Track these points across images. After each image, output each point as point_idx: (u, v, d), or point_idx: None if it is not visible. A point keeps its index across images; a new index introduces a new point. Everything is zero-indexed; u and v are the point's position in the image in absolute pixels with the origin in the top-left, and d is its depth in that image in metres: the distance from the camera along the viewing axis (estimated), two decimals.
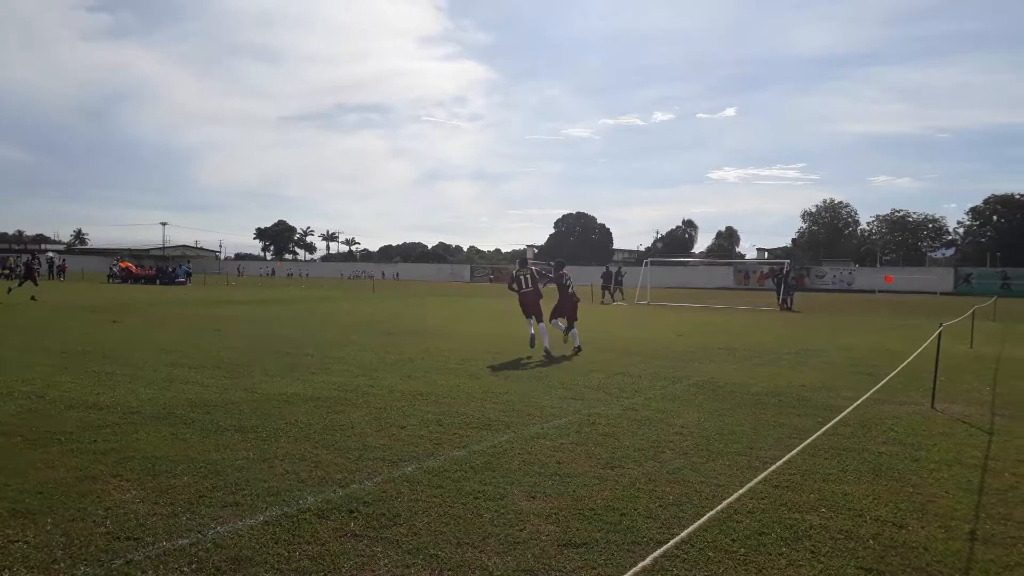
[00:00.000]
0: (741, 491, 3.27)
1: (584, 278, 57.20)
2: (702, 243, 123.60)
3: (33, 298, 25.65)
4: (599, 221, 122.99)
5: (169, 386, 8.71)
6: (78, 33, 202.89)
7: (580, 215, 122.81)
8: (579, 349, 13.30)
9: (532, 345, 12.74)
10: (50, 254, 64.32)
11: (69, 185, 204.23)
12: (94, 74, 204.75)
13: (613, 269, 38.72)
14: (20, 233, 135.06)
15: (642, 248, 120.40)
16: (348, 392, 8.57)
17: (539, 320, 13.07)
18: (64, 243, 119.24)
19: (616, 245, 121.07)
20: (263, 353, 12.09)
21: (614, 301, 34.72)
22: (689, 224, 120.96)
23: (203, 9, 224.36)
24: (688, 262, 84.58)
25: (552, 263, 15.68)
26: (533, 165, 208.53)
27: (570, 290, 14.31)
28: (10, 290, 27.07)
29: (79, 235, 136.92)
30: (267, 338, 14.53)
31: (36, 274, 28.39)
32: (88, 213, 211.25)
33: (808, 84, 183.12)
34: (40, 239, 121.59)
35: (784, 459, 4.15)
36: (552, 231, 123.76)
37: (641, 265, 43.56)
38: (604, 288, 35.57)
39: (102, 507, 4.45)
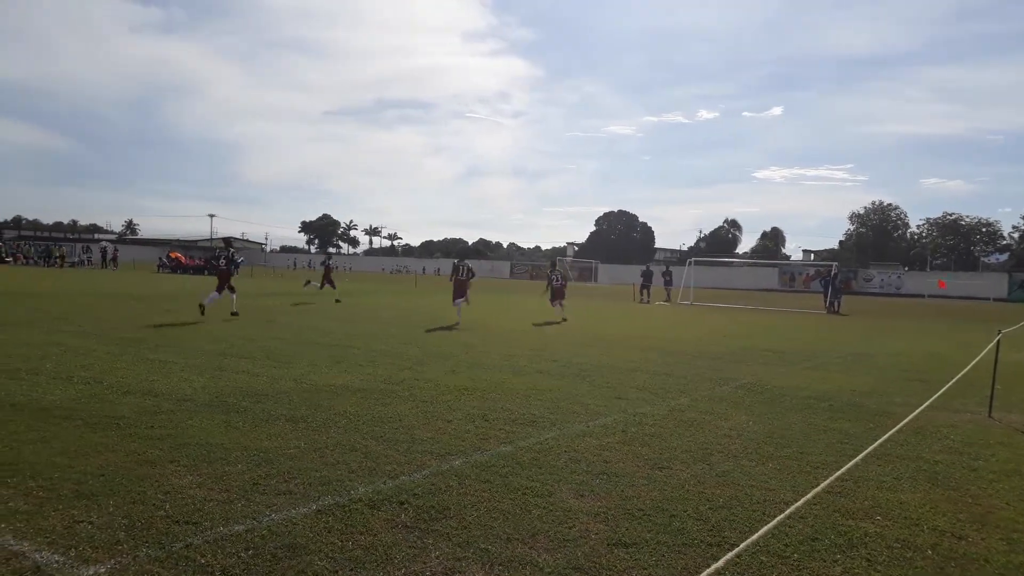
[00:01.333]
0: (808, 496, 3.22)
1: (626, 277, 56.85)
2: (746, 243, 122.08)
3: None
4: (640, 219, 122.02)
5: (220, 375, 8.90)
6: (129, 26, 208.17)
7: (621, 213, 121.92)
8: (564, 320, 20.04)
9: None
10: (103, 244, 66.14)
11: (120, 176, 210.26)
12: (144, 67, 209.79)
13: (654, 268, 38.44)
14: (75, 223, 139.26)
15: (684, 247, 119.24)
16: (394, 385, 8.67)
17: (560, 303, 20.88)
18: (116, 233, 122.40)
19: (658, 244, 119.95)
20: (310, 344, 12.27)
21: (668, 299, 34.45)
22: (733, 224, 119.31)
23: (249, 3, 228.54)
24: (732, 262, 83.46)
25: (551, 262, 23.67)
26: (573, 162, 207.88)
27: (558, 281, 21.58)
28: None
29: (130, 225, 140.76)
30: (313, 330, 14.75)
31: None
32: (138, 204, 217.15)
33: (856, 84, 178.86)
34: (94, 229, 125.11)
35: (847, 466, 4.07)
36: (592, 228, 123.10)
37: (684, 265, 43.13)
38: (643, 288, 35.30)
39: (160, 491, 4.57)
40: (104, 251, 60.04)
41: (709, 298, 38.71)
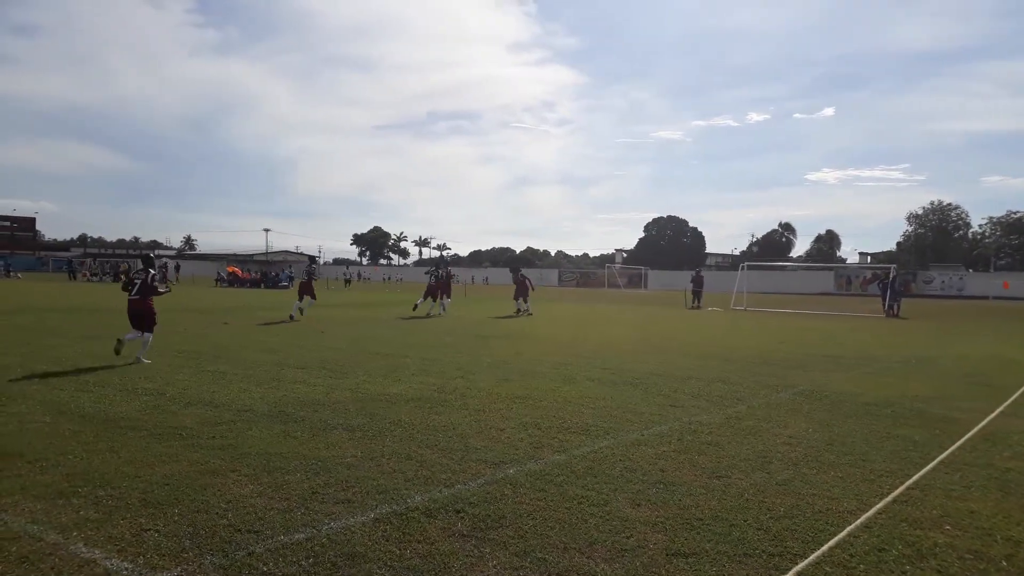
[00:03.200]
0: (878, 506, 3.11)
1: (677, 283, 56.19)
2: (800, 247, 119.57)
3: None
4: (691, 224, 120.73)
5: (278, 385, 9.06)
6: (187, 49, 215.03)
7: (671, 218, 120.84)
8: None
9: None
10: (164, 260, 68.23)
11: (178, 194, 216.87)
12: (200, 87, 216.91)
13: (705, 273, 37.91)
14: (136, 239, 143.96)
15: (736, 252, 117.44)
16: (446, 393, 8.71)
17: None
18: (175, 248, 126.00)
19: (709, 249, 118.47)
20: (364, 354, 12.43)
21: (697, 305, 33.93)
22: (786, 227, 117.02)
23: (300, 22, 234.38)
24: (786, 266, 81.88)
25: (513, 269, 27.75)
26: (621, 168, 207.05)
27: (526, 281, 25.30)
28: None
29: (188, 241, 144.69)
30: (366, 340, 14.93)
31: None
32: (196, 220, 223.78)
33: (911, 81, 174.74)
34: (154, 245, 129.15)
35: (916, 476, 3.94)
36: (642, 235, 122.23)
37: (736, 270, 42.42)
38: (695, 293, 34.82)
39: (223, 500, 4.67)
40: (164, 267, 61.92)
41: (763, 303, 38.02)
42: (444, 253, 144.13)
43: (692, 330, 20.31)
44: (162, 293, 12.03)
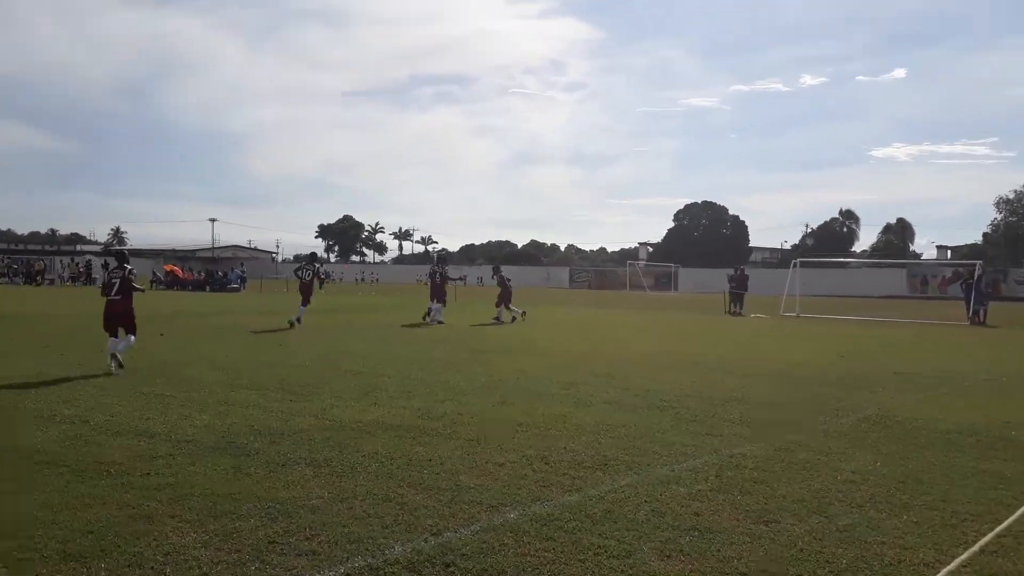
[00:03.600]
0: (962, 557, 3.12)
1: (714, 283, 56.21)
2: (864, 239, 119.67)
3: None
4: (731, 212, 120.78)
5: (228, 410, 9.09)
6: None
7: (707, 205, 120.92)
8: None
9: None
10: (88, 257, 68.37)
11: (105, 177, 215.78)
12: (135, 47, 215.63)
13: (749, 272, 37.96)
14: (53, 232, 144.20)
15: (787, 246, 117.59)
16: (433, 420, 8.74)
17: None
18: (101, 243, 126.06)
19: (753, 242, 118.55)
20: (333, 372, 12.46)
21: (736, 310, 33.99)
22: (847, 215, 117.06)
23: None
24: (847, 263, 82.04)
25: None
26: (644, 143, 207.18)
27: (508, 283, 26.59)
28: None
29: (117, 234, 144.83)
30: (337, 354, 14.97)
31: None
32: (127, 208, 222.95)
33: (999, 37, 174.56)
34: (75, 239, 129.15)
35: (1009, 520, 3.95)
36: (671, 225, 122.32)
37: (787, 267, 42.46)
38: (734, 294, 34.89)
39: (160, 552, 4.67)
40: (88, 266, 62.00)
41: (819, 308, 38.04)
42: (432, 248, 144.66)
43: (732, 341, 20.34)
44: (142, 291, 13.41)
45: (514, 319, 25.60)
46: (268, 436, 7.77)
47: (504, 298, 26.05)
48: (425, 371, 12.81)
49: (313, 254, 27.33)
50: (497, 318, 25.59)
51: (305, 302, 22.39)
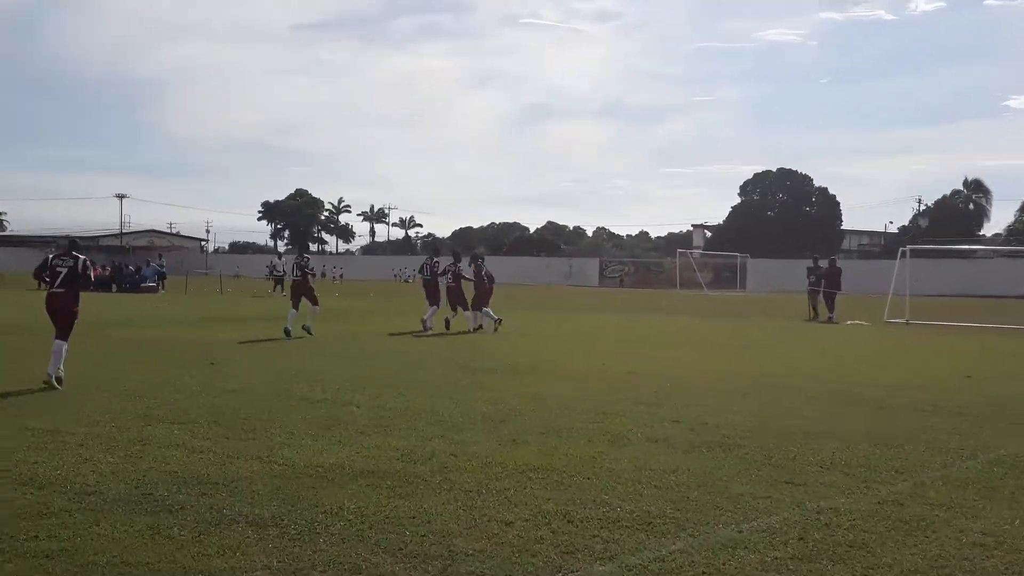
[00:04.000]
0: None
1: (794, 279, 55.99)
2: (999, 219, 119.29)
3: None
4: (817, 184, 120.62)
5: (142, 451, 9.04)
6: None
7: (784, 173, 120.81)
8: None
9: None
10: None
11: None
12: None
13: (841, 264, 37.86)
14: None
15: (892, 228, 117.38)
16: (418, 464, 8.70)
17: None
18: None
19: (847, 224, 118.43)
20: (283, 400, 12.46)
21: (815, 316, 33.94)
22: (974, 187, 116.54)
23: None
24: (975, 251, 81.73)
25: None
26: (703, 91, 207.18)
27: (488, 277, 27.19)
28: None
29: None
30: (288, 376, 14.98)
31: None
32: (5, 182, 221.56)
33: None
34: None
35: None
36: (736, 201, 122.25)
37: (895, 257, 42.22)
38: (815, 292, 34.77)
39: None
40: None
41: (937, 312, 37.93)
42: (416, 234, 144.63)
43: (819, 357, 20.29)
44: (90, 289, 15.24)
45: (481, 327, 26.43)
46: (197, 485, 7.72)
47: (481, 298, 26.90)
48: (406, 398, 12.78)
49: (302, 245, 30.22)
50: (479, 326, 26.39)
51: (296, 303, 24.08)
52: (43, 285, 15.18)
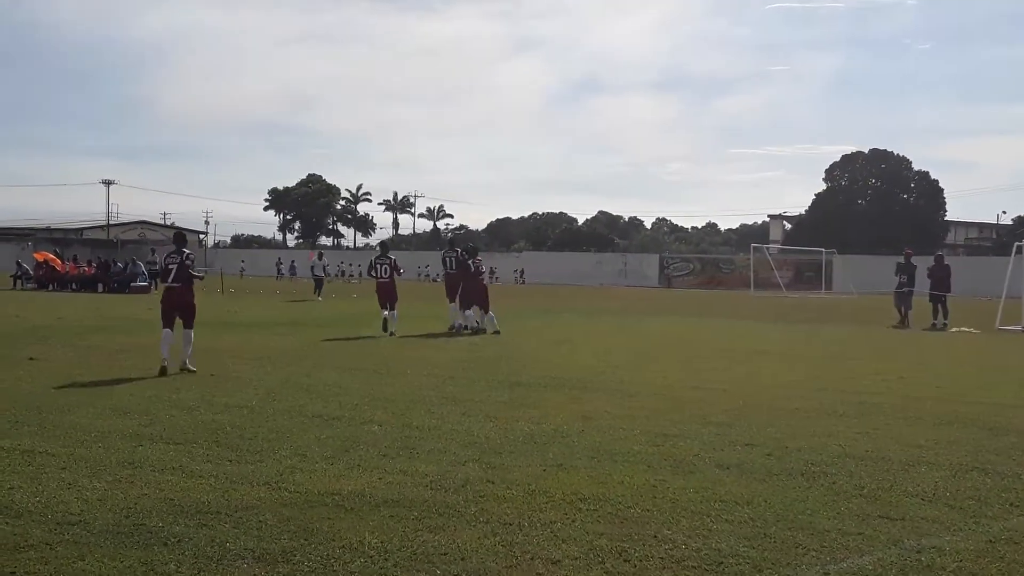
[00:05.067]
0: None
1: (888, 279, 55.54)
2: None
3: None
4: (917, 167, 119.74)
5: (133, 476, 9.11)
6: None
7: (877, 155, 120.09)
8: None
9: None
10: None
11: None
12: None
13: (949, 261, 37.56)
14: None
15: (1006, 219, 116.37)
16: (450, 492, 8.71)
17: None
18: None
19: (951, 214, 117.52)
20: (295, 416, 12.53)
21: (904, 322, 33.72)
22: None
23: None
24: None
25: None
26: (781, 60, 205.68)
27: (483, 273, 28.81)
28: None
29: None
30: (299, 390, 15.05)
31: None
32: None
33: None
34: None
35: None
36: (821, 188, 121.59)
37: (1010, 253, 41.78)
38: (902, 294, 34.49)
39: None
40: None
41: None
42: (447, 224, 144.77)
43: (919, 371, 20.13)
44: (201, 278, 18.68)
45: (458, 328, 27.97)
46: (196, 515, 7.77)
47: (475, 297, 28.01)
48: (436, 416, 12.82)
49: (384, 243, 33.00)
50: (460, 327, 27.85)
51: (384, 305, 27.35)
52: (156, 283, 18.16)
